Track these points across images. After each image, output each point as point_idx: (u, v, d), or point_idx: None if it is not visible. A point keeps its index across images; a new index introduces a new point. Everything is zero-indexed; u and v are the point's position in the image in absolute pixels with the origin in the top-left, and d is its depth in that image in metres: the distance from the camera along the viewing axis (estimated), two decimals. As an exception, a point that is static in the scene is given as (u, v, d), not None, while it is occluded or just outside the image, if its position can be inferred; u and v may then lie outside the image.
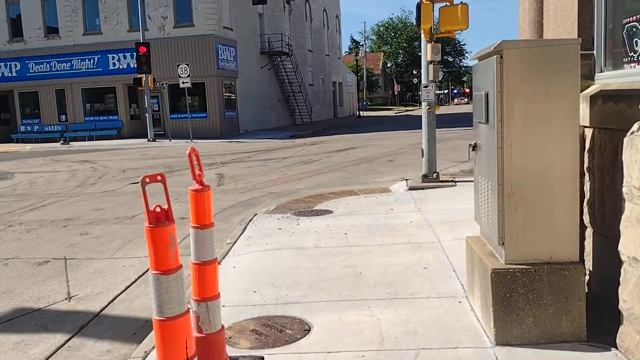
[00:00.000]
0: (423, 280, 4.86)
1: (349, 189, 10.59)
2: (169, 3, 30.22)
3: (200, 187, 2.92)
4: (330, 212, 8.34)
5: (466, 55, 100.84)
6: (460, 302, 4.32)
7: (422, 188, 9.92)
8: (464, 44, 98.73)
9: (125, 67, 31.03)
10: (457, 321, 3.94)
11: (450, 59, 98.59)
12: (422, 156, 10.46)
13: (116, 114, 32.25)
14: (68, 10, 31.79)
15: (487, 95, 3.65)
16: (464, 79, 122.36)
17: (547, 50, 3.39)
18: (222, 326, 3.05)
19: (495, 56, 3.44)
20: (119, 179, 14.18)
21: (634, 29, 3.80)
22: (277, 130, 33.28)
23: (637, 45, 3.80)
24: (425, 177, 10.29)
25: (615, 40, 4.17)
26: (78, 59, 31.84)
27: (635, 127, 3.18)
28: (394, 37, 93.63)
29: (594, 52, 4.28)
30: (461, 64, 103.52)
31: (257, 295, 4.70)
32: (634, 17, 3.82)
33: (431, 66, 10.02)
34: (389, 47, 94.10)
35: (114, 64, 31.43)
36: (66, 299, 5.39)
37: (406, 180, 10.73)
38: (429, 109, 10.33)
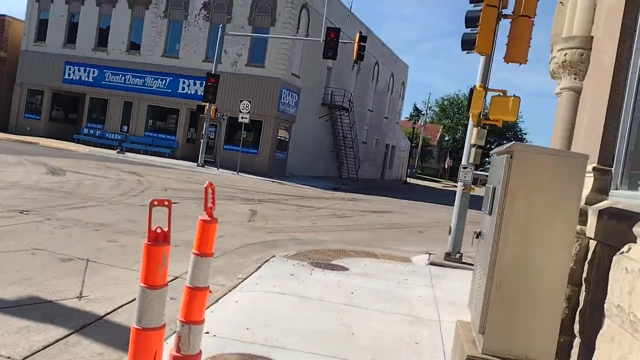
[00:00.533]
0: (411, 354, 4.94)
1: (371, 250, 10.72)
2: (246, 42, 31.78)
3: (209, 218, 3.21)
4: (346, 269, 8.50)
5: (526, 143, 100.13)
6: (439, 382, 4.38)
7: (443, 265, 9.95)
8: (526, 133, 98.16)
9: (193, 92, 32.54)
10: (429, 400, 4.02)
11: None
12: (449, 234, 10.53)
13: (174, 134, 33.63)
14: (153, 31, 33.88)
15: (494, 189, 3.85)
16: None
17: (555, 159, 3.58)
18: (200, 351, 3.27)
19: (506, 155, 3.66)
20: (159, 196, 14.75)
21: (650, 155, 3.95)
22: (321, 180, 33.79)
23: (650, 171, 3.94)
24: (448, 255, 10.32)
25: (635, 161, 4.31)
26: (151, 77, 33.65)
27: (625, 248, 3.30)
28: (456, 112, 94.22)
29: (612, 168, 4.42)
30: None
31: (248, 333, 4.90)
32: (653, 144, 3.97)
33: (473, 149, 10.21)
34: (449, 121, 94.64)
35: (183, 88, 33.02)
36: (77, 297, 5.73)
37: (429, 254, 10.78)
38: (464, 189, 10.46)
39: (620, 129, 4.44)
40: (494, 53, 10.18)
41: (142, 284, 2.49)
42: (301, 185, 27.26)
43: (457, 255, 10.27)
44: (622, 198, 4.21)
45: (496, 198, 3.77)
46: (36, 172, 16.40)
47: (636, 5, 4.29)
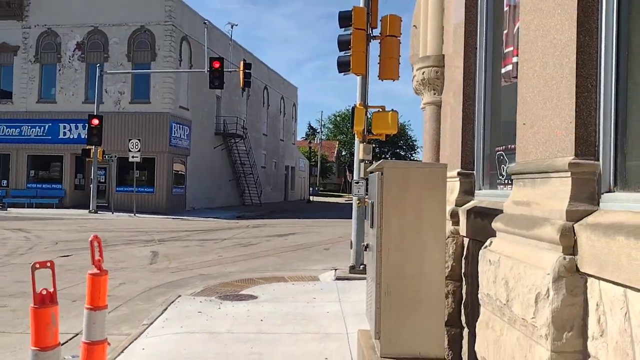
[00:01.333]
0: (320, 370, 5.13)
1: (279, 274, 10.86)
2: (127, 80, 30.96)
3: (98, 271, 3.22)
4: (255, 297, 8.57)
5: (417, 150, 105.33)
6: (348, 392, 4.60)
7: (349, 279, 10.30)
8: (415, 140, 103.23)
9: (75, 137, 31.05)
10: (340, 411, 4.22)
11: (402, 153, 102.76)
12: (351, 248, 10.93)
13: (60, 182, 31.83)
14: (25, 78, 32.03)
15: (372, 204, 4.17)
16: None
17: (419, 172, 3.97)
18: (106, 406, 3.24)
19: (378, 173, 3.99)
20: (50, 250, 13.98)
21: (501, 157, 4.47)
22: (224, 210, 33.44)
23: (503, 170, 4.45)
24: (352, 268, 10.70)
25: (492, 163, 4.85)
26: (28, 126, 31.72)
27: (487, 242, 3.72)
28: (349, 127, 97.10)
29: (474, 172, 4.93)
30: (412, 158, 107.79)
31: (158, 378, 4.85)
32: (502, 147, 4.50)
33: (362, 164, 10.74)
34: (344, 136, 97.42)
35: (64, 133, 31.43)
36: (-33, 373, 5.35)
37: (335, 270, 11.10)
38: (358, 203, 10.94)
39: (475, 135, 4.97)
40: (368, 72, 10.83)
41: (34, 348, 2.47)
42: (204, 219, 26.84)
43: (361, 267, 10.66)
44: (484, 197, 4.71)
45: (375, 212, 4.09)
46: None
47: (474, 26, 4.86)
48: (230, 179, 39.45)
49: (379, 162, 4.00)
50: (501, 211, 3.83)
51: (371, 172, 4.48)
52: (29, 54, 32.05)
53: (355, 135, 10.86)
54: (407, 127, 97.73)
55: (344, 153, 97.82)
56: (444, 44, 5.61)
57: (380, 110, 10.64)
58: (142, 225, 21.74)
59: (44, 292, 2.50)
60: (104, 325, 3.19)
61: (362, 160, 10.74)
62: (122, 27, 30.95)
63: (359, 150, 10.71)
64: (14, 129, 31.87)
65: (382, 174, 3.96)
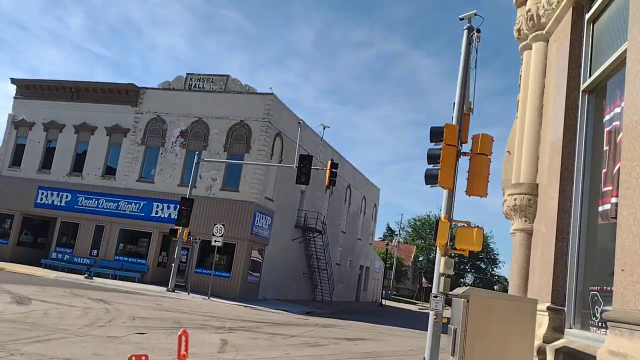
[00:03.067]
0: None
1: (345, 383, 10.49)
2: (221, 168, 32.77)
3: (183, 369, 3.33)
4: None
5: (499, 264, 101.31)
6: None
7: (418, 399, 9.77)
8: (497, 253, 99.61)
9: (166, 216, 32.77)
10: None
11: (483, 266, 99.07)
12: (423, 365, 10.46)
13: (145, 257, 33.27)
14: (130, 157, 34.77)
15: (455, 331, 4.08)
16: (495, 287, 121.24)
17: (508, 304, 3.87)
18: None
19: (463, 299, 3.94)
20: (127, 326, 14.41)
21: (595, 298, 4.28)
22: (295, 303, 33.25)
23: (597, 312, 4.24)
24: (422, 388, 10.17)
25: (585, 302, 4.63)
26: (125, 201, 33.96)
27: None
28: (428, 233, 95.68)
29: (565, 308, 4.72)
30: (493, 272, 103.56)
31: None
32: (597, 287, 4.32)
33: (442, 278, 10.51)
34: (422, 241, 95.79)
35: (156, 212, 33.27)
36: None
37: (404, 386, 10.59)
38: (435, 319, 10.58)
39: (568, 270, 4.80)
40: (456, 186, 10.87)
41: None
42: (274, 310, 26.77)
43: (432, 387, 10.13)
44: (575, 338, 4.46)
45: (457, 339, 3.99)
46: (0, 301, 15.93)
47: (571, 161, 4.86)
48: (304, 273, 39.51)
49: (465, 289, 3.96)
50: (593, 357, 3.62)
51: (455, 297, 4.42)
52: (137, 137, 34.97)
53: (437, 248, 10.73)
54: (489, 239, 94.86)
55: (420, 258, 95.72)
56: (538, 173, 5.61)
57: (466, 225, 10.52)
58: (215, 310, 21.99)
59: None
60: None
61: (443, 274, 10.52)
62: (224, 120, 33.29)
63: (440, 264, 10.52)
64: (112, 203, 34.20)
65: (467, 301, 3.90)
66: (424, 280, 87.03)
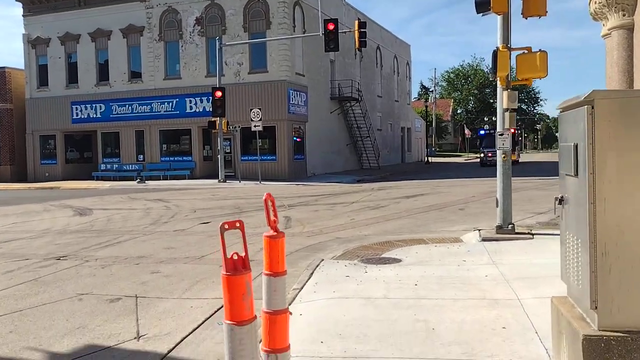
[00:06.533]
0: (502, 341, 4.54)
1: (418, 237, 10.31)
2: (245, 50, 31.50)
3: (275, 233, 2.85)
4: (399, 260, 8.11)
5: (540, 102, 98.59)
6: (544, 368, 3.98)
7: (496, 240, 9.50)
8: (539, 92, 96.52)
9: (201, 110, 32.37)
10: (542, 390, 3.62)
11: (524, 107, 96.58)
12: (497, 206, 10.06)
13: (190, 154, 33.50)
14: (151, 57, 33.78)
15: (576, 147, 3.43)
16: (538, 126, 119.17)
17: (644, 100, 3.16)
18: (291, 381, 2.92)
19: (585, 106, 3.24)
20: (190, 218, 14.54)
21: None
22: (344, 174, 33.39)
23: None
24: (499, 229, 9.85)
25: None
26: (158, 102, 33.57)
27: None
28: (464, 84, 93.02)
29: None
30: (535, 111, 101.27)
31: (324, 347, 4.54)
32: None
33: (507, 114, 9.75)
34: (459, 93, 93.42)
35: (190, 107, 32.87)
36: (135, 338, 5.43)
37: (479, 230, 10.31)
38: (504, 157, 9.99)
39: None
40: (510, 10, 9.71)
41: (229, 322, 2.15)
42: (326, 184, 26.90)
43: (509, 226, 9.79)
44: None
45: (581, 157, 3.36)
46: (63, 215, 16.28)
47: None
48: (347, 144, 39.26)
49: (585, 93, 3.24)
50: None
51: (568, 109, 3.71)
52: (154, 33, 33.66)
53: (498, 82, 9.84)
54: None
55: (459, 111, 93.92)
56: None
57: (527, 51, 9.50)
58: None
59: (235, 257, 2.15)
60: (284, 293, 2.84)
61: (507, 110, 9.74)
62: (237, -3, 31.41)
63: (504, 99, 9.69)
64: (146, 106, 33.91)
65: (592, 107, 3.20)
66: (466, 130, 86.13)
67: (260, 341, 2.83)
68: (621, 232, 3.18)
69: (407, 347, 4.45)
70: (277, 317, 2.81)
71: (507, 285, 6.32)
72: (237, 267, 2.17)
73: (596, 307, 3.23)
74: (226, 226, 2.11)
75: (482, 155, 40.70)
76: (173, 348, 5.12)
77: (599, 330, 3.22)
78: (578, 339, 3.26)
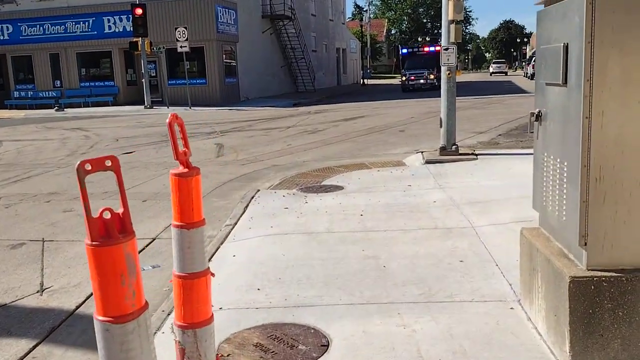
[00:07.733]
0: (461, 277, 4.05)
1: (359, 161, 9.74)
2: (166, -37, 28.79)
3: (186, 170, 2.06)
4: (341, 188, 7.52)
5: (472, 22, 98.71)
6: (512, 308, 3.51)
7: (440, 162, 9.07)
8: (470, 11, 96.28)
9: (121, 30, 29.76)
10: (515, 337, 3.14)
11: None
12: (440, 126, 9.56)
13: (112, 79, 31.11)
14: (61, -30, 30.36)
15: (566, 47, 2.77)
16: (468, 47, 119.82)
17: (661, -16, 2.49)
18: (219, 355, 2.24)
19: (582, -4, 2.55)
20: (112, 148, 13.31)
21: None
22: (279, 98, 32.18)
23: None
24: (443, 150, 9.41)
25: None
26: (72, 22, 30.53)
27: None
28: (398, 3, 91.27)
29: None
30: (466, 30, 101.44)
31: (261, 295, 3.90)
32: None
33: (453, 26, 9.05)
34: (393, 13, 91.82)
35: (109, 27, 30.15)
36: (38, 291, 4.61)
37: (422, 152, 9.86)
38: (449, 74, 9.39)
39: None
40: None
41: (101, 317, 1.39)
42: (260, 108, 25.75)
43: (453, 147, 9.36)
44: None
45: (573, 60, 2.70)
46: (-32, 148, 14.58)
47: None
48: (282, 65, 37.73)
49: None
50: None
51: (550, 2, 3.01)
52: (62, -57, 30.07)
53: (443, -8, 9.05)
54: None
55: (393, 31, 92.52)
56: None
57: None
58: (200, 118, 20.86)
59: (108, 216, 1.36)
60: (203, 250, 2.09)
61: (453, 21, 9.03)
62: None
63: (449, 9, 8.95)
64: (59, 26, 30.79)
65: (593, -4, 2.51)
66: (400, 52, 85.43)
67: (170, 313, 2.12)
68: (620, 153, 2.60)
69: (357, 291, 3.88)
70: (194, 283, 2.07)
71: (459, 211, 5.86)
72: (110, 233, 1.39)
73: (585, 243, 2.69)
74: (88, 166, 1.31)
75: (403, 78, 34.12)
76: (82, 302, 4.34)
77: (588, 270, 2.71)
78: (562, 280, 2.74)
